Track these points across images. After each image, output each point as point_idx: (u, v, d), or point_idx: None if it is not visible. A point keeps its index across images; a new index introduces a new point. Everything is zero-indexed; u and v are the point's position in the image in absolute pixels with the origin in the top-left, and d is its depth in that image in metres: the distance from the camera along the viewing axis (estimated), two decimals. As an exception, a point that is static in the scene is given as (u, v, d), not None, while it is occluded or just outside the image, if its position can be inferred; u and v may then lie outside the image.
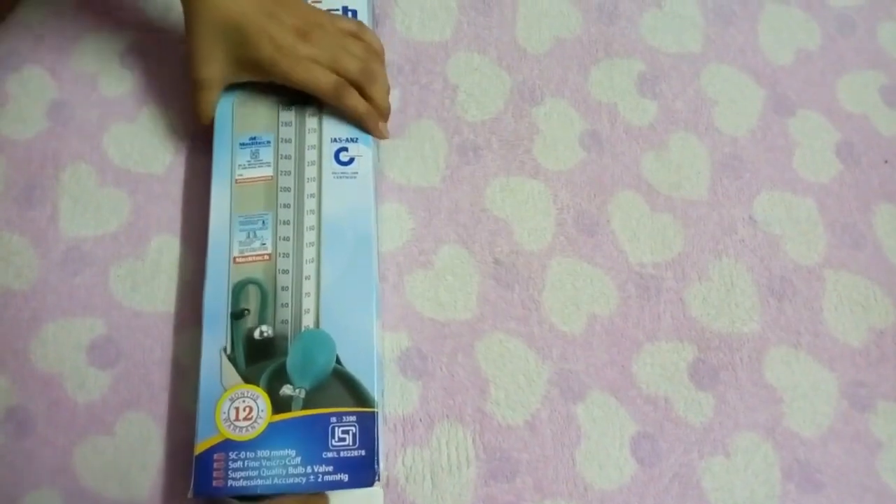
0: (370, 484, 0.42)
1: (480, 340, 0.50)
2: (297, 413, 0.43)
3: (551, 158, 0.55)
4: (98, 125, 0.54)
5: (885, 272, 0.54)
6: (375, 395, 0.44)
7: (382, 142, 0.53)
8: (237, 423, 0.42)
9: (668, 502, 0.47)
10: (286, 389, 0.43)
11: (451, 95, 0.56)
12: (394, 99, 0.56)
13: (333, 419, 0.43)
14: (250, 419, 0.42)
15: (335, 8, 0.54)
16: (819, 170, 0.56)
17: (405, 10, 0.59)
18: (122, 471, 0.46)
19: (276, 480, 0.42)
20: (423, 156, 0.55)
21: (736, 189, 0.55)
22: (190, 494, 0.42)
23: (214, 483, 0.42)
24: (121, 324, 0.49)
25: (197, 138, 0.53)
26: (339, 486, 0.42)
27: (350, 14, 0.55)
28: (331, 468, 0.42)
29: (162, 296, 0.50)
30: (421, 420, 0.49)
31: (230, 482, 0.42)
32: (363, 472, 0.42)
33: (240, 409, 0.42)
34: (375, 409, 0.44)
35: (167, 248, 0.51)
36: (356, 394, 0.44)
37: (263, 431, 0.42)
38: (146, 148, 0.53)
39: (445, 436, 0.48)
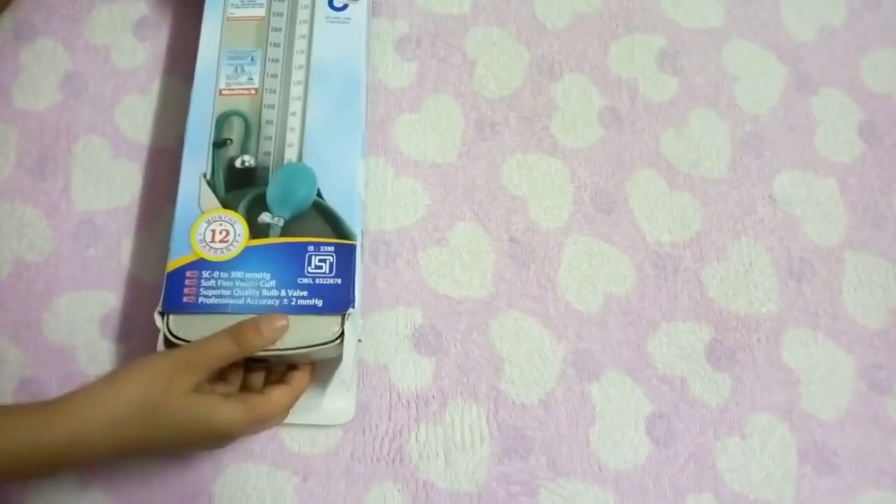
0: (344, 310, 0.42)
1: (495, 318, 0.50)
2: (274, 239, 0.43)
3: (570, 135, 0.54)
4: (111, 98, 0.53)
5: (907, 254, 0.53)
6: (355, 229, 0.44)
7: (398, 117, 0.52)
8: (213, 245, 0.42)
9: (682, 482, 0.47)
10: (265, 217, 0.43)
11: (470, 70, 0.56)
12: (411, 73, 0.55)
13: (311, 248, 0.43)
14: (226, 242, 0.42)
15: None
16: (841, 149, 0.55)
17: (421, -17, 0.58)
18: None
19: (248, 301, 0.42)
20: (439, 131, 0.54)
21: (756, 168, 0.54)
22: (159, 309, 0.42)
23: (185, 299, 0.41)
24: (133, 297, 0.49)
25: None
26: (312, 310, 0.42)
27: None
28: (305, 293, 0.42)
29: (175, 269, 0.50)
30: (434, 397, 0.48)
31: (201, 299, 0.41)
32: (338, 298, 0.42)
33: (216, 232, 0.43)
34: (354, 242, 0.44)
35: (180, 222, 0.51)
36: (335, 226, 0.44)
37: (239, 254, 0.42)
38: (159, 121, 0.53)
39: (459, 413, 0.48)
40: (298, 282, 0.42)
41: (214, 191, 0.43)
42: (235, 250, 0.42)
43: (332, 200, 0.44)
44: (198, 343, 0.40)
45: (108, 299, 0.49)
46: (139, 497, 0.45)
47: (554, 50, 0.56)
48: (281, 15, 0.48)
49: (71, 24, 0.54)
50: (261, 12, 0.48)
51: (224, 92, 0.46)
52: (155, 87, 0.54)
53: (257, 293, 0.42)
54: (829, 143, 0.55)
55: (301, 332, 0.41)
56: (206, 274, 0.42)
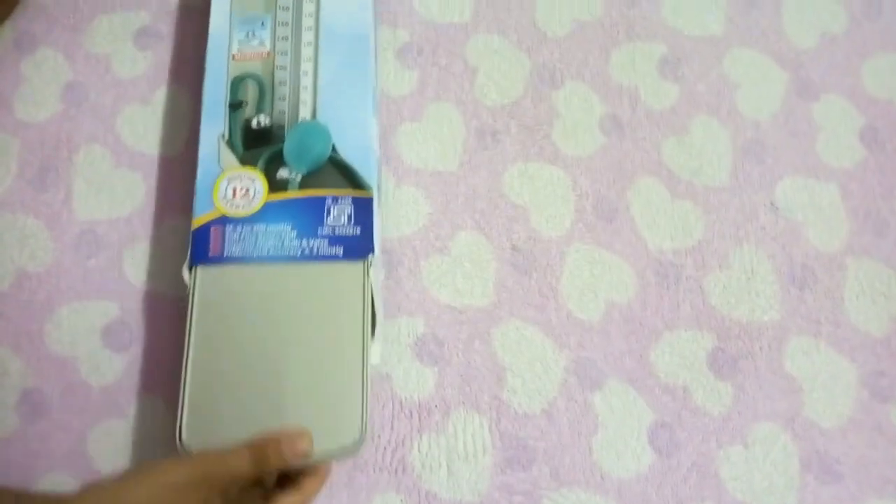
0: (365, 256, 0.43)
1: (497, 327, 0.50)
2: (293, 194, 0.45)
3: (571, 143, 0.54)
4: (112, 107, 0.53)
5: (909, 261, 0.53)
6: (371, 182, 0.45)
7: (399, 126, 0.52)
8: (234, 202, 0.44)
9: (685, 492, 0.47)
10: (283, 172, 0.45)
11: (471, 78, 0.56)
12: (412, 81, 0.55)
13: (329, 200, 0.45)
14: (248, 198, 0.44)
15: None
16: (842, 155, 0.55)
17: (422, -9, 0.58)
18: (135, 454, 0.46)
19: (271, 252, 0.43)
20: (440, 140, 0.54)
21: (758, 175, 0.54)
22: (187, 264, 0.43)
23: (211, 253, 0.43)
24: (134, 307, 0.49)
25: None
26: (333, 258, 0.43)
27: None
28: (326, 242, 0.44)
29: (176, 280, 0.49)
30: (437, 406, 0.48)
31: (226, 252, 0.43)
32: (358, 247, 0.44)
33: (237, 189, 0.44)
34: (370, 194, 0.45)
35: (181, 232, 0.50)
36: (352, 179, 0.45)
37: (260, 209, 0.44)
38: (160, 130, 0.53)
39: (462, 423, 0.48)
40: (319, 232, 0.44)
41: (233, 150, 0.45)
42: (256, 206, 0.44)
43: (347, 155, 0.46)
44: (216, 456, 0.38)
45: (110, 309, 0.49)
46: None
47: (555, 58, 0.56)
48: None
49: (72, 33, 0.54)
50: None
51: (237, 56, 0.47)
52: (156, 96, 0.54)
53: (279, 244, 0.43)
54: (831, 149, 0.55)
55: (321, 439, 0.40)
56: (229, 228, 0.44)
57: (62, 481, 0.45)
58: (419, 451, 0.47)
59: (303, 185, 0.45)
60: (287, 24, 0.48)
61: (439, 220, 0.52)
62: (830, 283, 0.52)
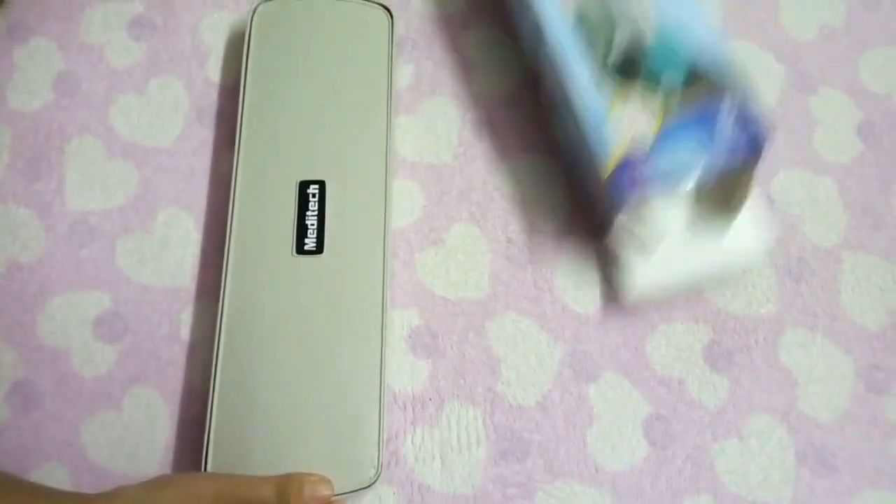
0: (766, 141, 0.44)
1: (492, 320, 0.50)
2: (678, 113, 0.44)
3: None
4: (105, 97, 0.53)
5: (906, 255, 0.53)
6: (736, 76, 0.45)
7: (395, 120, 0.52)
8: (632, 137, 0.44)
9: (680, 484, 0.47)
10: (659, 94, 0.44)
11: (467, 71, 0.55)
12: (407, 75, 0.55)
13: (713, 106, 0.44)
14: (641, 130, 0.44)
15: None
16: (840, 149, 0.55)
17: (418, -18, 0.57)
18: (129, 446, 0.46)
19: (689, 176, 0.43)
20: (435, 132, 0.54)
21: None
22: (620, 214, 0.44)
23: (635, 191, 0.43)
24: (128, 298, 0.49)
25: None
26: (744, 156, 0.44)
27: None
28: (731, 146, 0.44)
29: (170, 270, 0.49)
30: (431, 399, 0.48)
31: (648, 185, 0.43)
32: (758, 140, 0.44)
33: (627, 125, 0.44)
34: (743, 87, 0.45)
35: (175, 222, 0.50)
36: (721, 81, 0.45)
37: (658, 135, 0.44)
38: (154, 120, 0.52)
39: (456, 415, 0.48)
40: (719, 138, 0.44)
41: (606, 86, 0.45)
42: (652, 133, 0.44)
43: (706, 59, 0.45)
44: (246, 479, 0.40)
45: (103, 300, 0.49)
46: None
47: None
48: None
49: (65, 23, 0.54)
50: None
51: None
52: (150, 86, 0.53)
53: (691, 162, 0.43)
54: (828, 143, 0.55)
55: (335, 477, 0.42)
56: (640, 163, 0.43)
57: (56, 472, 0.45)
58: (412, 443, 0.47)
59: (682, 100, 0.44)
60: None
61: (434, 213, 0.52)
62: (827, 277, 0.52)
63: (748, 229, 0.47)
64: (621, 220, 0.44)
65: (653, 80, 0.44)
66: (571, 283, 0.50)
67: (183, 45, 0.54)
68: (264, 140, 0.49)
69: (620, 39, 0.46)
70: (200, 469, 0.42)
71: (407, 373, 0.48)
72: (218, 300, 0.45)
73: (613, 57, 0.45)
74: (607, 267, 0.48)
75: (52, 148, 0.51)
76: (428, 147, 0.53)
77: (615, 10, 0.46)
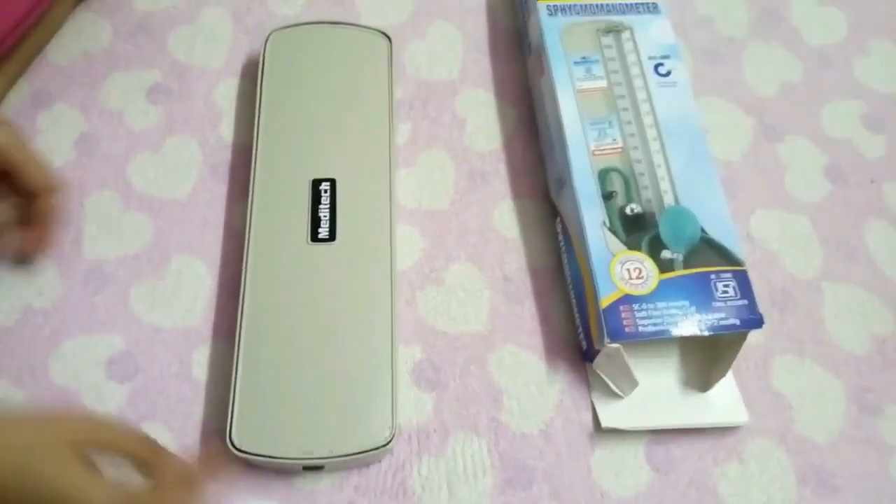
0: (759, 325, 0.48)
1: (492, 352, 0.51)
2: (679, 272, 0.48)
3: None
4: (123, 156, 0.56)
5: (881, 283, 0.56)
6: (741, 256, 0.49)
7: (395, 172, 0.56)
8: (632, 282, 0.48)
9: (685, 508, 0.47)
10: (665, 254, 0.49)
11: (459, 128, 0.60)
12: (404, 133, 0.59)
13: (713, 276, 0.48)
14: (642, 278, 0.48)
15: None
16: (810, 190, 0.59)
17: (413, 54, 0.63)
18: (139, 481, 0.46)
19: (679, 326, 0.47)
20: (432, 182, 0.57)
21: (732, 209, 0.57)
22: (606, 341, 0.46)
23: (626, 330, 0.46)
24: (140, 339, 0.50)
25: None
26: (733, 328, 0.47)
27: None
28: (722, 315, 0.48)
29: (182, 312, 0.51)
30: (435, 430, 0.49)
31: (640, 328, 0.47)
32: (749, 317, 0.48)
33: (630, 270, 0.48)
34: (745, 268, 0.49)
35: (187, 268, 0.53)
36: (726, 256, 0.49)
37: (656, 288, 0.48)
38: (169, 175, 0.56)
39: (461, 445, 0.48)
40: (713, 305, 0.48)
41: (616, 236, 0.49)
42: (652, 285, 0.48)
43: (714, 234, 0.50)
44: (111, 429, 0.40)
45: (115, 342, 0.50)
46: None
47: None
48: (620, 84, 0.55)
49: (87, 90, 0.58)
50: (603, 83, 0.55)
51: (595, 153, 0.52)
52: (166, 144, 0.57)
53: (683, 318, 0.47)
54: (799, 185, 0.59)
55: (353, 437, 0.45)
56: (636, 307, 0.47)
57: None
58: (419, 473, 0.47)
59: (685, 263, 0.49)
60: (630, 122, 0.53)
61: (434, 254, 0.55)
62: (810, 306, 0.55)
63: (731, 391, 0.50)
64: (608, 350, 0.47)
65: (659, 245, 0.49)
66: (564, 316, 0.53)
67: (197, 108, 0.58)
68: (280, 146, 0.54)
69: (639, 201, 0.51)
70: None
71: (412, 405, 0.49)
72: (233, 340, 0.47)
73: (630, 211, 0.50)
74: (593, 388, 0.51)
75: (71, 202, 0.54)
76: (426, 195, 0.57)
77: (637, 173, 0.52)
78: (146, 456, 0.40)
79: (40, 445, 0.37)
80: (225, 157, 0.57)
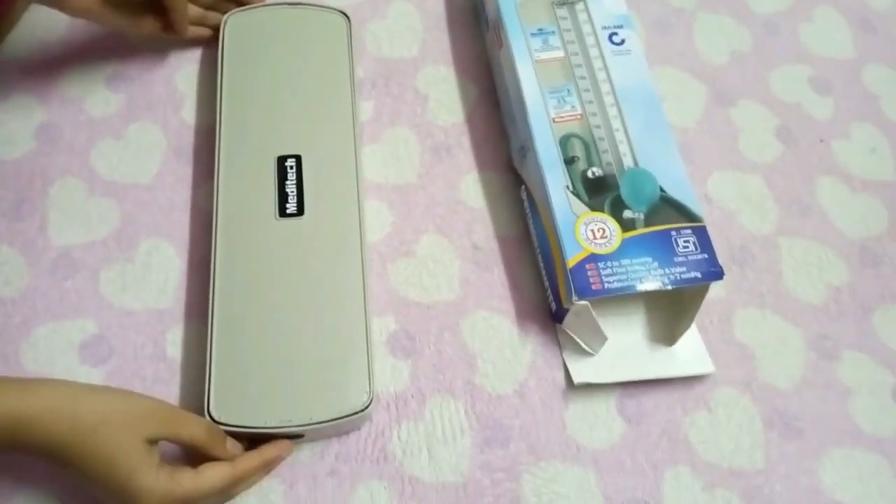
0: (720, 277, 0.49)
1: (465, 319, 0.52)
2: (641, 230, 0.50)
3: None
4: (86, 143, 0.56)
5: (834, 236, 0.58)
6: (699, 213, 0.51)
7: (361, 149, 0.56)
8: (596, 241, 0.49)
9: (658, 457, 0.49)
10: (627, 213, 0.51)
11: (422, 104, 0.60)
12: (368, 111, 0.60)
13: (673, 233, 0.50)
14: (606, 237, 0.50)
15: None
16: (762, 151, 0.61)
17: (374, 33, 0.63)
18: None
19: (643, 281, 0.48)
20: (398, 157, 0.58)
21: (689, 172, 0.59)
22: (574, 299, 0.48)
23: (593, 287, 0.48)
24: (112, 323, 0.50)
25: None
26: (694, 281, 0.49)
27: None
28: (684, 269, 0.49)
29: (153, 294, 0.51)
30: (413, 396, 0.50)
31: (606, 285, 0.48)
32: (710, 270, 0.49)
33: (594, 230, 0.50)
34: (704, 224, 0.51)
35: (156, 250, 0.53)
36: (685, 213, 0.51)
37: (619, 246, 0.49)
38: (133, 160, 0.56)
39: (438, 409, 0.49)
40: (675, 260, 0.49)
41: (579, 198, 0.51)
42: (615, 244, 0.49)
43: (673, 193, 0.52)
44: (178, 410, 0.43)
45: (87, 326, 0.50)
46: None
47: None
48: (577, 54, 0.57)
49: (45, 80, 0.58)
50: (560, 54, 0.56)
51: (556, 120, 0.54)
52: (129, 131, 0.57)
53: (647, 274, 0.49)
54: (752, 146, 0.61)
55: (332, 404, 0.46)
56: (601, 265, 0.49)
57: (48, 495, 0.45)
58: (399, 438, 0.48)
59: (646, 222, 0.50)
60: (588, 90, 0.55)
61: (403, 227, 0.55)
62: (768, 261, 0.57)
63: (696, 343, 0.52)
64: (576, 308, 0.48)
65: (621, 205, 0.51)
66: (534, 282, 0.54)
67: (158, 93, 0.58)
68: (243, 126, 0.54)
69: (600, 164, 0.52)
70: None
71: (388, 374, 0.50)
72: (206, 320, 0.48)
73: (592, 174, 0.52)
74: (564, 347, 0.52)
75: (34, 190, 0.54)
76: (392, 170, 0.57)
77: (597, 138, 0.53)
78: (208, 441, 0.42)
79: (114, 419, 0.39)
80: (189, 139, 0.57)
